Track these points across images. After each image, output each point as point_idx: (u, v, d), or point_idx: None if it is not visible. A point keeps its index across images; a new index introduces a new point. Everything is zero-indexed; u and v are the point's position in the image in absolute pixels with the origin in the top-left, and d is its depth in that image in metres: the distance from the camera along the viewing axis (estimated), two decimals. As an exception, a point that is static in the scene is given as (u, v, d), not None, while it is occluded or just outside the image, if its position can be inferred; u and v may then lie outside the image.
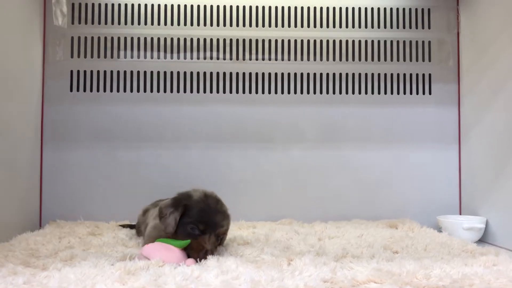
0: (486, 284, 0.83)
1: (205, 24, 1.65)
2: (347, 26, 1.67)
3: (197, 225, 1.03)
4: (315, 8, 1.67)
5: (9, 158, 1.35)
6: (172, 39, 1.64)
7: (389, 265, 0.94)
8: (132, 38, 1.63)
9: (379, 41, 1.67)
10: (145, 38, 1.63)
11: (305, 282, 0.80)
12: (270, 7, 1.66)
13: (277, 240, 1.26)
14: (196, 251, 1.01)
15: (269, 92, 1.66)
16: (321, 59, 1.67)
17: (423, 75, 1.68)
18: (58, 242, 1.23)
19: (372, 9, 1.68)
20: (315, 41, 1.67)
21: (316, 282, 0.81)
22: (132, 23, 1.63)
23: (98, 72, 1.62)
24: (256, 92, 1.66)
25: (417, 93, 1.68)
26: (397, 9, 1.68)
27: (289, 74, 1.66)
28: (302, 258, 0.99)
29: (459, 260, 1.01)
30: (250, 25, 1.66)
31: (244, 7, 1.66)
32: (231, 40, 1.65)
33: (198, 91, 1.65)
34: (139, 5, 1.63)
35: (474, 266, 0.95)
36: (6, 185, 1.33)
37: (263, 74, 1.66)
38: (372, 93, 1.67)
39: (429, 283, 0.83)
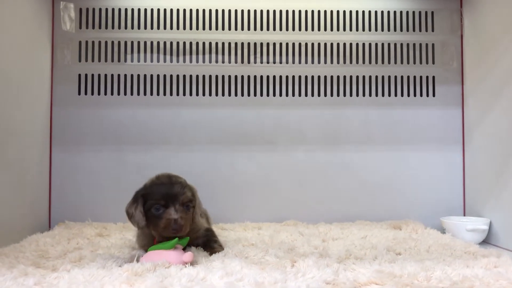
0: (486, 286, 0.84)
1: (210, 28, 1.67)
2: (351, 30, 1.69)
3: (158, 202, 1.04)
4: (319, 11, 1.68)
5: (19, 160, 1.38)
6: (178, 43, 1.66)
7: (391, 267, 0.96)
8: (139, 42, 1.65)
9: (383, 44, 1.69)
10: (152, 42, 1.65)
11: (307, 284, 0.82)
12: (274, 11, 1.68)
13: (282, 241, 1.28)
14: (166, 227, 1.02)
15: (273, 95, 1.68)
16: (325, 62, 1.68)
17: (427, 77, 1.69)
18: (67, 243, 1.25)
19: (376, 12, 1.69)
20: (319, 44, 1.68)
21: (318, 284, 0.83)
22: (139, 27, 1.66)
23: (105, 75, 1.65)
24: (261, 95, 1.68)
25: (421, 95, 1.69)
26: (401, 12, 1.69)
27: (293, 77, 1.68)
28: (305, 259, 1.01)
29: (461, 262, 1.02)
30: (255, 29, 1.67)
31: (249, 11, 1.68)
32: (235, 43, 1.67)
33: (203, 94, 1.67)
34: (145, 9, 1.66)
35: (475, 268, 0.96)
36: (16, 187, 1.36)
37: (267, 77, 1.68)
38: (376, 95, 1.69)
39: (429, 285, 0.84)
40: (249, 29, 1.68)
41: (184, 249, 1.08)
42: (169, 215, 1.03)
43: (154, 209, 1.04)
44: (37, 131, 1.54)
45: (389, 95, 1.69)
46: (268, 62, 1.68)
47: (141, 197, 1.07)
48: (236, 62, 1.67)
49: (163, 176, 1.11)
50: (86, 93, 1.65)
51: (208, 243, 1.18)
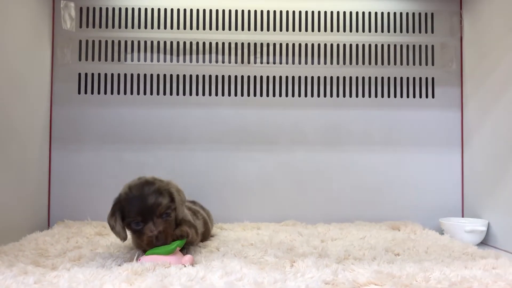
0: (484, 287, 0.84)
1: (210, 28, 1.67)
2: (351, 30, 1.69)
3: (135, 218, 1.01)
4: (319, 12, 1.69)
5: (18, 159, 1.38)
6: (178, 42, 1.66)
7: (390, 267, 0.96)
8: (139, 42, 1.66)
9: (383, 45, 1.69)
10: (152, 42, 1.66)
11: (306, 284, 0.82)
12: (274, 12, 1.68)
13: (281, 241, 1.28)
14: (150, 243, 1.00)
15: (274, 95, 1.68)
16: (325, 63, 1.69)
17: (427, 78, 1.70)
18: (66, 242, 1.26)
19: (376, 13, 1.69)
20: (319, 45, 1.69)
21: (317, 284, 0.83)
22: (139, 27, 1.66)
23: (105, 74, 1.65)
24: (261, 95, 1.68)
25: (421, 97, 1.69)
26: (401, 13, 1.70)
27: (293, 77, 1.68)
28: (304, 259, 1.01)
29: (459, 263, 1.02)
30: (255, 29, 1.68)
31: (249, 11, 1.68)
32: (236, 43, 1.67)
33: (203, 94, 1.67)
34: (145, 9, 1.66)
35: (473, 269, 0.96)
36: (15, 186, 1.36)
37: (267, 77, 1.68)
38: (376, 96, 1.69)
39: (428, 285, 0.84)
40: (249, 29, 1.68)
41: (182, 249, 1.09)
42: (149, 232, 1.00)
43: (133, 225, 1.02)
44: (37, 129, 1.54)
45: (389, 96, 1.69)
46: (268, 63, 1.68)
47: (118, 211, 1.04)
48: (236, 62, 1.68)
49: (135, 186, 1.05)
50: (86, 92, 1.65)
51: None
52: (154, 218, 1.01)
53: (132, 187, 1.05)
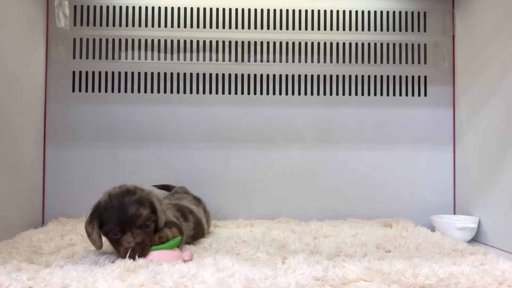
0: (471, 283, 0.86)
1: (204, 26, 1.68)
2: (344, 29, 1.70)
3: (114, 228, 1.00)
4: (312, 11, 1.70)
5: (13, 157, 1.38)
6: (172, 41, 1.67)
7: (379, 264, 0.97)
8: (133, 40, 1.66)
9: (375, 44, 1.70)
10: (146, 40, 1.66)
11: (297, 280, 0.84)
12: (268, 10, 1.69)
13: (273, 238, 1.29)
14: (124, 255, 0.98)
15: (267, 93, 1.69)
16: (318, 61, 1.70)
17: (419, 77, 1.71)
18: (60, 239, 1.26)
19: (369, 12, 1.70)
20: (312, 43, 1.70)
21: (307, 280, 0.84)
22: (134, 25, 1.66)
23: (100, 73, 1.66)
24: (255, 93, 1.69)
25: (413, 95, 1.71)
26: (394, 12, 1.71)
27: (287, 75, 1.69)
28: (296, 256, 1.02)
29: (449, 259, 1.04)
30: (249, 28, 1.69)
31: (243, 9, 1.69)
32: (230, 42, 1.68)
33: (198, 92, 1.68)
34: (140, 7, 1.66)
35: (462, 265, 0.98)
36: (9, 183, 1.36)
37: (261, 75, 1.69)
38: (369, 94, 1.70)
39: (416, 281, 0.86)
40: (243, 27, 1.69)
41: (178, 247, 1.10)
42: (126, 243, 0.99)
43: (111, 234, 1.01)
44: (31, 127, 1.54)
45: (381, 94, 1.70)
46: (262, 61, 1.69)
47: (96, 218, 1.03)
48: (230, 60, 1.68)
49: (116, 195, 1.03)
50: (80, 90, 1.65)
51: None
52: (133, 229, 1.00)
53: (113, 195, 1.03)
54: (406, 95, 1.71)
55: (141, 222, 1.01)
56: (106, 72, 1.66)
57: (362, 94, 1.70)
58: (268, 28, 1.69)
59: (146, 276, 0.85)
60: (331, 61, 1.70)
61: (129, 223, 1.00)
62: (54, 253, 1.10)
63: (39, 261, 1.01)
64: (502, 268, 0.96)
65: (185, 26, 1.67)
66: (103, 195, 1.06)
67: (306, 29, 1.70)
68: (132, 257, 0.97)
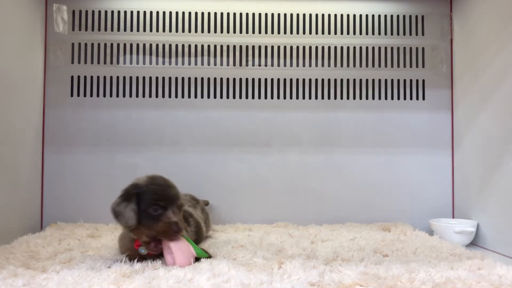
0: (468, 287, 0.86)
1: (203, 31, 1.68)
2: (342, 33, 1.70)
3: (158, 203, 1.02)
4: (310, 15, 1.70)
5: (11, 161, 1.39)
6: (170, 45, 1.67)
7: (376, 269, 0.97)
8: (131, 44, 1.66)
9: (373, 48, 1.70)
10: (144, 45, 1.67)
11: (292, 286, 0.84)
12: (266, 14, 1.70)
13: (271, 243, 1.29)
14: (167, 231, 1.00)
15: (266, 98, 1.69)
16: (316, 65, 1.70)
17: (417, 80, 1.71)
18: (58, 244, 1.26)
19: (367, 16, 1.71)
20: (310, 47, 1.70)
21: (303, 285, 0.84)
22: (132, 29, 1.67)
23: (98, 77, 1.66)
24: (253, 97, 1.69)
25: (411, 99, 1.71)
26: (392, 16, 1.71)
27: (285, 80, 1.70)
28: (292, 261, 1.02)
29: (446, 264, 1.04)
30: (247, 32, 1.69)
31: (241, 14, 1.69)
32: (228, 46, 1.68)
33: (196, 96, 1.68)
34: (138, 12, 1.67)
35: (458, 270, 0.98)
36: (8, 188, 1.36)
37: (259, 79, 1.69)
38: (367, 98, 1.70)
39: (412, 286, 0.86)
40: (241, 32, 1.69)
41: None
42: (168, 218, 1.01)
43: (152, 210, 1.02)
44: (30, 132, 1.54)
45: (380, 98, 1.70)
46: (260, 65, 1.70)
47: (134, 196, 1.05)
48: (228, 64, 1.69)
49: (158, 177, 1.09)
50: (78, 95, 1.66)
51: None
52: (173, 207, 1.04)
53: (154, 177, 1.09)
54: (404, 98, 1.71)
55: (181, 204, 1.07)
56: (105, 77, 1.66)
57: (361, 98, 1.70)
58: (266, 32, 1.69)
59: (142, 281, 0.85)
60: (329, 65, 1.70)
61: (172, 201, 1.05)
62: (51, 258, 1.10)
63: (35, 267, 1.01)
64: (499, 272, 0.96)
65: (183, 31, 1.68)
66: (139, 179, 1.09)
67: (304, 33, 1.70)
68: (175, 232, 1.00)
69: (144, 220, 1.02)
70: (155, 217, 1.02)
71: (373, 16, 1.71)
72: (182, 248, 1.02)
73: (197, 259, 1.06)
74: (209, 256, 1.10)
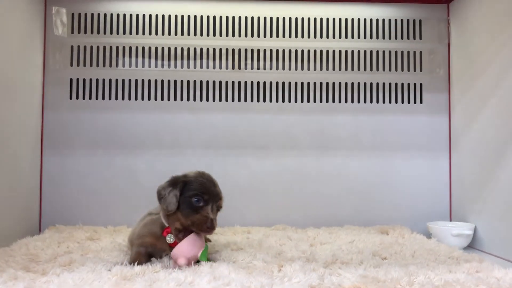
0: (466, 290, 0.86)
1: (201, 34, 1.69)
2: (340, 37, 1.71)
3: (202, 196, 1.06)
4: (309, 19, 1.71)
5: (10, 164, 1.39)
6: (169, 48, 1.68)
7: (375, 272, 0.98)
8: (130, 47, 1.67)
9: (371, 51, 1.72)
10: (143, 48, 1.67)
11: (293, 288, 0.84)
12: (265, 18, 1.70)
13: (270, 246, 1.30)
14: (202, 223, 1.05)
15: (264, 101, 1.70)
16: (314, 69, 1.71)
17: (415, 84, 1.72)
18: (57, 247, 1.26)
19: (365, 20, 1.72)
20: (309, 51, 1.71)
21: (303, 288, 0.85)
22: (131, 32, 1.67)
23: (97, 80, 1.66)
24: (251, 101, 1.70)
25: (409, 102, 1.72)
26: (390, 20, 1.72)
27: (283, 83, 1.70)
28: (292, 264, 1.03)
29: (444, 267, 1.04)
30: (246, 35, 1.70)
31: (239, 17, 1.70)
32: (227, 49, 1.69)
33: (194, 99, 1.68)
34: (137, 15, 1.67)
35: (457, 273, 0.98)
36: (7, 190, 1.36)
37: (258, 83, 1.70)
38: (365, 102, 1.71)
39: (411, 289, 0.86)
40: (239, 35, 1.70)
41: None
42: (207, 213, 1.06)
43: (195, 200, 1.06)
44: (29, 134, 1.54)
45: (377, 101, 1.71)
46: (259, 68, 1.70)
47: (180, 184, 1.08)
48: (227, 68, 1.69)
49: (207, 174, 1.14)
50: (77, 98, 1.66)
51: None
52: (213, 205, 1.08)
53: (203, 173, 1.13)
54: (402, 102, 1.72)
55: (221, 205, 1.12)
56: (103, 80, 1.66)
57: (358, 102, 1.71)
58: (264, 36, 1.70)
59: (142, 284, 0.86)
60: (327, 69, 1.71)
61: (214, 198, 1.09)
62: (51, 261, 1.10)
63: (35, 269, 1.01)
64: (497, 275, 0.97)
65: (182, 34, 1.68)
66: (187, 173, 1.13)
67: (302, 37, 1.71)
68: (209, 228, 1.05)
69: (184, 208, 1.07)
70: (195, 208, 1.06)
71: (371, 20, 1.72)
72: (195, 242, 1.05)
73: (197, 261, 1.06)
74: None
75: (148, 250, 1.11)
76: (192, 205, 1.06)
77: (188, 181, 1.09)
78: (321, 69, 1.71)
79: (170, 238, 1.08)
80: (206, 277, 0.91)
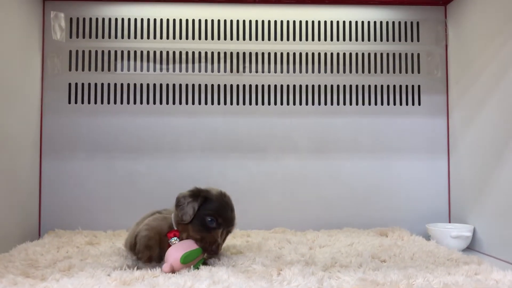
0: (465, 293, 0.87)
1: (200, 38, 1.69)
2: (338, 39, 1.72)
3: (217, 218, 1.09)
4: (307, 22, 1.71)
5: (9, 169, 1.39)
6: (168, 52, 1.68)
7: (374, 275, 0.98)
8: (129, 52, 1.67)
9: (369, 54, 1.72)
10: (142, 52, 1.67)
11: (292, 292, 0.84)
12: (263, 21, 1.71)
13: (269, 249, 1.30)
14: (208, 243, 1.07)
15: (263, 104, 1.70)
16: (312, 71, 1.71)
17: (413, 86, 1.73)
18: (56, 252, 1.26)
19: (362, 22, 1.72)
20: (307, 53, 1.71)
21: (302, 292, 0.85)
22: (129, 37, 1.67)
23: (95, 84, 1.66)
24: (250, 104, 1.70)
25: (407, 104, 1.72)
26: (387, 22, 1.72)
27: (282, 86, 1.71)
28: (291, 268, 1.03)
29: (443, 269, 1.04)
30: (244, 39, 1.70)
31: (238, 21, 1.70)
32: (225, 53, 1.69)
33: (193, 103, 1.69)
34: (135, 19, 1.68)
35: (456, 275, 0.98)
36: (6, 195, 1.36)
37: (256, 86, 1.70)
38: (363, 104, 1.72)
39: (410, 292, 0.86)
40: (238, 38, 1.70)
41: None
42: (217, 236, 1.08)
43: (209, 220, 1.09)
44: (28, 139, 1.54)
45: (376, 104, 1.72)
46: (258, 71, 1.71)
47: (200, 198, 1.11)
48: (226, 71, 1.70)
49: (227, 197, 1.16)
50: (76, 102, 1.66)
51: None
52: (225, 230, 1.11)
53: (224, 195, 1.16)
54: (400, 104, 1.72)
55: (231, 231, 1.15)
56: (102, 84, 1.67)
57: (357, 104, 1.72)
58: (263, 39, 1.71)
59: (142, 289, 0.86)
60: (325, 71, 1.71)
61: (228, 224, 1.12)
62: (50, 266, 1.10)
63: (35, 275, 1.01)
64: (496, 278, 0.97)
65: (180, 38, 1.69)
66: (210, 189, 1.16)
67: (301, 39, 1.71)
68: (212, 251, 1.08)
69: (196, 222, 1.09)
70: (207, 227, 1.09)
71: (369, 22, 1.72)
72: (189, 247, 1.05)
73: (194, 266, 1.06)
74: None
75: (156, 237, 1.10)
76: (204, 223, 1.09)
77: (209, 198, 1.12)
78: (319, 71, 1.71)
79: (174, 241, 1.09)
80: (206, 281, 0.91)
